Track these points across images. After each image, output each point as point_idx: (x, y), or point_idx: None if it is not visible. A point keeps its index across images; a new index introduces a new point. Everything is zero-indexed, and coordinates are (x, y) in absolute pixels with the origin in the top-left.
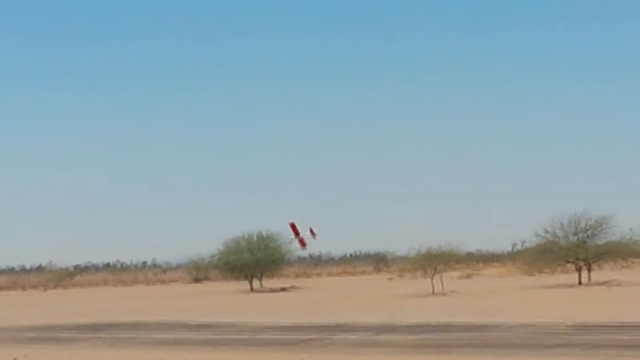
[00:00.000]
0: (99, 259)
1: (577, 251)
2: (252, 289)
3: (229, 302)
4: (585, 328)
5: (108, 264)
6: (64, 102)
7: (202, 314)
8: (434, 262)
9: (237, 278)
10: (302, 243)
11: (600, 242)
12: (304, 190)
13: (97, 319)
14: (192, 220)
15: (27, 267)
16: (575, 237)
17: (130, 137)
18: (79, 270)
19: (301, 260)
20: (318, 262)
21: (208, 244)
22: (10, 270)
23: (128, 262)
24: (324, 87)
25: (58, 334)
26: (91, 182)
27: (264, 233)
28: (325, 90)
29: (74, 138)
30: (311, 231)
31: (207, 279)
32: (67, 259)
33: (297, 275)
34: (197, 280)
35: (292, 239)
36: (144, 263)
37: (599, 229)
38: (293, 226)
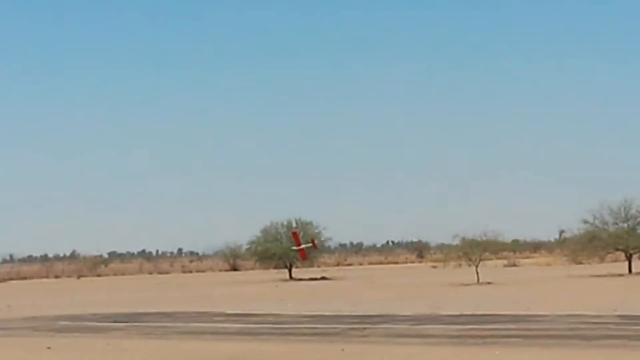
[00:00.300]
0: (134, 246)
1: (627, 238)
2: (290, 277)
3: (267, 290)
4: (635, 318)
5: (143, 251)
6: (99, 83)
7: (239, 303)
8: (478, 249)
9: (275, 266)
10: (303, 254)
11: None
12: (344, 177)
13: (132, 308)
14: (228, 207)
15: (60, 254)
16: (625, 224)
17: (166, 123)
18: (113, 257)
19: (341, 247)
20: (359, 250)
21: (244, 231)
22: (43, 258)
23: (163, 250)
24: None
25: (92, 323)
26: (126, 168)
27: (303, 219)
28: (365, 76)
29: (108, 122)
30: (312, 242)
31: (243, 267)
32: (100, 246)
33: (337, 264)
34: (233, 268)
35: (293, 248)
36: (180, 250)
37: None
38: (295, 235)
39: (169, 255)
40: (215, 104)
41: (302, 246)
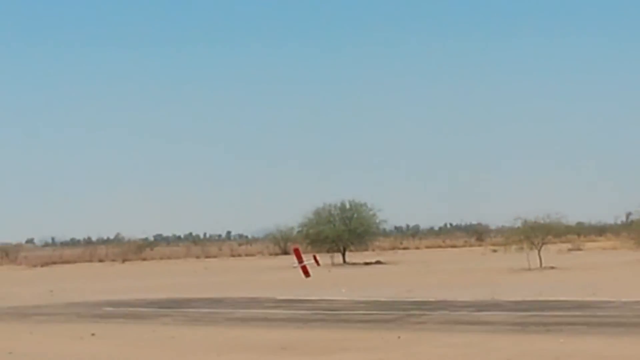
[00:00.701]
0: (180, 229)
1: None
2: (344, 262)
3: (319, 275)
4: None
5: (190, 234)
6: (141, 64)
7: (289, 288)
8: (541, 233)
9: (328, 250)
10: (305, 271)
11: None
12: (400, 157)
13: (178, 294)
14: (279, 189)
15: (104, 238)
16: None
17: (213, 103)
18: (159, 240)
19: (397, 231)
20: (414, 234)
21: (296, 213)
22: (87, 242)
23: (211, 233)
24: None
25: (137, 309)
26: (173, 149)
27: (357, 201)
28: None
29: (155, 103)
30: (315, 259)
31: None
32: (146, 229)
33: (392, 248)
34: (284, 252)
35: (295, 265)
36: (228, 233)
37: None
38: (297, 252)
39: (217, 238)
40: (262, 82)
41: (304, 263)
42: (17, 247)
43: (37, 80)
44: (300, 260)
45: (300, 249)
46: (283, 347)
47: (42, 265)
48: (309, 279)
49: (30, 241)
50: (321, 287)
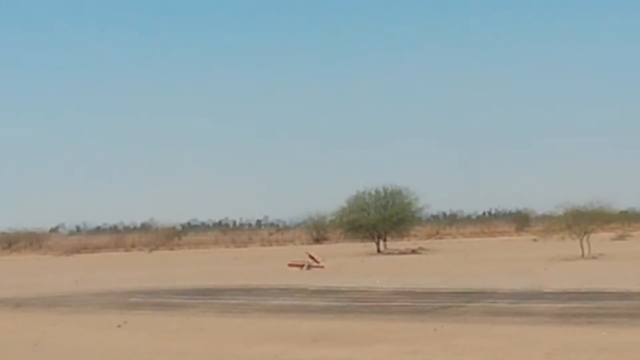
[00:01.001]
0: (210, 217)
1: None
2: (379, 251)
3: (354, 264)
4: None
5: (219, 222)
6: (169, 45)
7: (323, 278)
8: (584, 221)
9: (363, 238)
10: (316, 262)
11: None
12: (437, 141)
13: (208, 283)
14: (312, 176)
15: (132, 226)
16: None
17: (242, 82)
18: (188, 228)
19: (434, 219)
20: (453, 221)
21: (329, 201)
22: (113, 229)
23: (241, 221)
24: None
25: (165, 299)
26: (199, 132)
27: (392, 188)
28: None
29: (188, 85)
30: (312, 258)
31: (328, 239)
32: (175, 217)
33: (429, 236)
34: (317, 240)
35: (302, 268)
36: (259, 222)
37: None
38: (293, 265)
39: (248, 227)
40: (298, 67)
41: (307, 264)
42: (43, 235)
43: (61, 62)
44: (301, 266)
45: (333, 239)
46: (315, 339)
47: (68, 254)
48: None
49: (56, 229)
50: (355, 277)
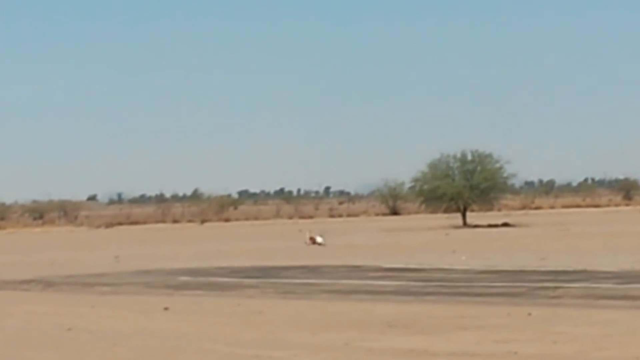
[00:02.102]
0: (270, 184)
1: None
2: (464, 224)
3: (435, 240)
4: None
5: (281, 191)
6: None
7: (399, 255)
8: None
9: (446, 209)
10: (313, 241)
11: None
12: (531, 101)
13: (266, 261)
14: (387, 137)
15: (180, 194)
16: None
17: (305, 41)
18: (245, 198)
19: (528, 187)
20: (549, 190)
21: (407, 166)
22: (159, 199)
23: (306, 189)
24: None
25: (218, 278)
26: (257, 91)
27: (480, 151)
28: None
29: (235, 46)
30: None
31: (405, 210)
32: (229, 185)
33: (523, 206)
34: (393, 212)
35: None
36: (327, 190)
37: None
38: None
39: (313, 195)
40: (369, 26)
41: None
42: (78, 204)
43: (107, 21)
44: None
45: (411, 210)
46: (390, 325)
47: (106, 226)
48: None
49: (92, 198)
50: (437, 254)
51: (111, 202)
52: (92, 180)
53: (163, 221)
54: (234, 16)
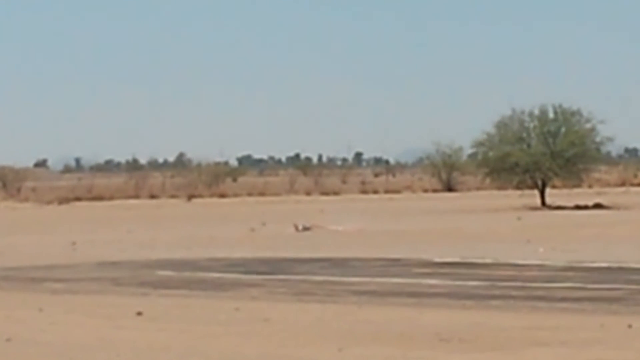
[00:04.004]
0: (279, 148)
1: None
2: (543, 204)
3: (503, 225)
4: None
5: (296, 157)
6: None
7: (454, 245)
8: None
9: (518, 185)
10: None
11: None
12: (622, 49)
13: (277, 251)
14: (435, 87)
15: (160, 160)
16: None
17: None
18: (246, 165)
19: (629, 155)
20: None
21: (465, 126)
22: (132, 166)
23: (329, 154)
24: None
25: (210, 273)
26: (263, 23)
27: (566, 108)
28: None
29: None
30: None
31: (464, 185)
32: (225, 148)
33: (621, 182)
34: (447, 187)
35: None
36: (358, 157)
37: None
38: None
39: (339, 164)
40: None
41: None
42: (22, 172)
43: None
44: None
45: (472, 184)
46: (442, 338)
47: (59, 202)
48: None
49: (41, 164)
50: (506, 244)
51: (66, 169)
52: (40, 141)
53: (136, 196)
54: None
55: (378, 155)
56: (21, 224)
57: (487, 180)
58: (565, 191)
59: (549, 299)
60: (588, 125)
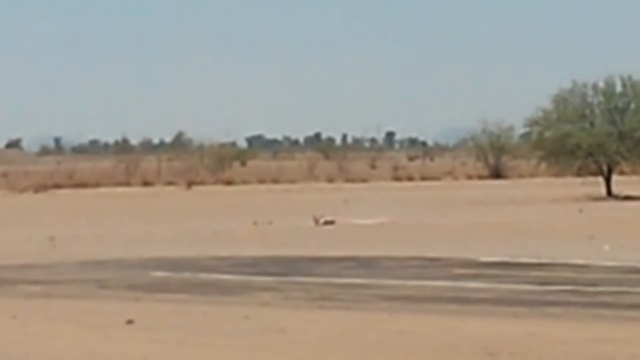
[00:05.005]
0: (298, 128)
1: None
2: (609, 194)
3: (561, 218)
4: None
5: (317, 137)
6: None
7: (504, 242)
8: None
9: (579, 171)
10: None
11: None
12: None
13: (292, 249)
14: (480, 58)
15: (155, 141)
16: None
17: None
18: (258, 147)
19: None
20: None
21: (514, 102)
22: (121, 147)
23: (355, 136)
24: None
25: (214, 275)
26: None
27: (636, 79)
28: None
29: None
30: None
31: (514, 171)
32: (232, 128)
33: None
34: (495, 173)
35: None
36: (390, 137)
37: None
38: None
39: (367, 146)
40: None
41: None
42: None
43: None
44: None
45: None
46: (490, 353)
47: (35, 190)
48: None
49: (14, 144)
50: (565, 241)
51: (44, 151)
52: (13, 117)
53: (127, 183)
54: None
55: (413, 135)
56: None
57: (543, 166)
58: (634, 178)
59: (616, 306)
60: None
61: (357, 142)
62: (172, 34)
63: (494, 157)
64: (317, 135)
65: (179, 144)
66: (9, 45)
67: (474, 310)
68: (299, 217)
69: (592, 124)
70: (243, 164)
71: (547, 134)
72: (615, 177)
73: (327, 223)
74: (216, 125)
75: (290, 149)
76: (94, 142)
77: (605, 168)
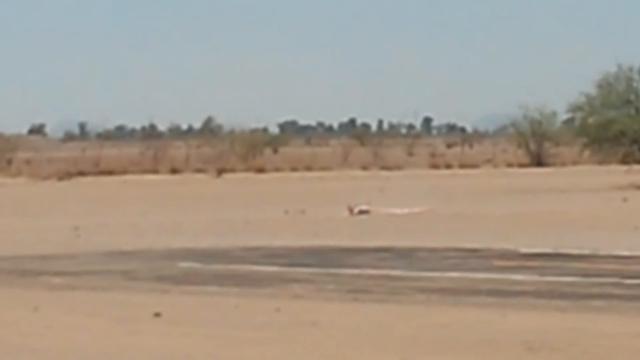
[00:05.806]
0: (332, 113)
1: None
2: None
3: (605, 208)
4: None
5: (351, 124)
6: None
7: (545, 232)
8: None
9: (624, 158)
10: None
11: None
12: None
13: (326, 239)
14: (520, 41)
15: (183, 126)
16: None
17: None
18: (290, 134)
19: None
20: None
21: (556, 87)
22: (148, 133)
23: (392, 122)
24: None
25: (244, 266)
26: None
27: None
28: None
29: None
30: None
31: (557, 158)
32: (264, 113)
33: None
34: (536, 161)
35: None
36: (427, 123)
37: None
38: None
39: (404, 132)
40: None
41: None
42: (13, 140)
43: None
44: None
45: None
46: (530, 348)
47: (59, 178)
48: None
49: (38, 130)
50: (608, 231)
51: (68, 137)
52: (37, 102)
53: (154, 170)
54: None
55: (451, 121)
56: (12, 203)
57: (586, 153)
58: None
59: None
60: None
61: (394, 128)
62: (202, 16)
63: (535, 144)
64: (352, 121)
65: (209, 129)
66: (32, 28)
67: (514, 304)
68: (332, 206)
69: (637, 110)
70: (275, 150)
71: (590, 120)
72: None
73: (361, 212)
74: (247, 110)
75: (324, 135)
76: (120, 128)
77: None
